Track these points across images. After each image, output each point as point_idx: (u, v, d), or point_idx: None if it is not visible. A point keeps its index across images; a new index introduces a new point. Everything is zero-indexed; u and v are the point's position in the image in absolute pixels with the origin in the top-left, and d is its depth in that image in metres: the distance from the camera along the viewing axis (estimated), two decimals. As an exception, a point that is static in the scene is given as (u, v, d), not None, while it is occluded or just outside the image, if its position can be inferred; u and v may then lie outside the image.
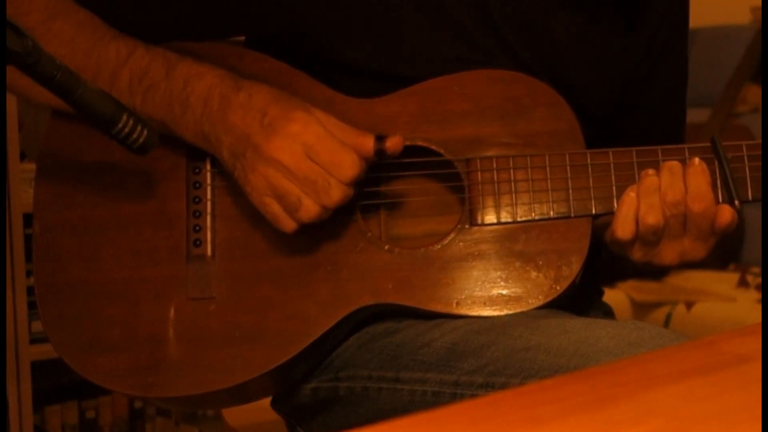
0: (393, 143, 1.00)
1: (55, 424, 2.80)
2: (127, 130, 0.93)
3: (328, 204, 0.98)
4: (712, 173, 1.00)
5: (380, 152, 1.00)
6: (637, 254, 1.01)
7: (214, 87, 1.01)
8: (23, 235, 2.51)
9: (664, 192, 0.98)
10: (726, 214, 0.98)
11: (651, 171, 1.00)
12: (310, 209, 0.97)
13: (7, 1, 0.97)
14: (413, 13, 1.05)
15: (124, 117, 0.93)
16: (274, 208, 0.99)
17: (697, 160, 1.00)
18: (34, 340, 2.54)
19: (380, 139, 1.00)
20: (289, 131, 0.97)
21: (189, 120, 1.02)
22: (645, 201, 0.99)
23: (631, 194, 0.99)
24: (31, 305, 2.53)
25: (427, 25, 1.05)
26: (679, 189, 0.98)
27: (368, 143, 0.99)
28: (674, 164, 0.99)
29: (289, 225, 0.99)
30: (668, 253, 1.01)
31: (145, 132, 0.94)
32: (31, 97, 1.05)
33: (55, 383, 2.73)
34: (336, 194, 0.97)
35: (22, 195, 2.51)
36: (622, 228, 0.99)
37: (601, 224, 1.06)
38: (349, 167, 0.97)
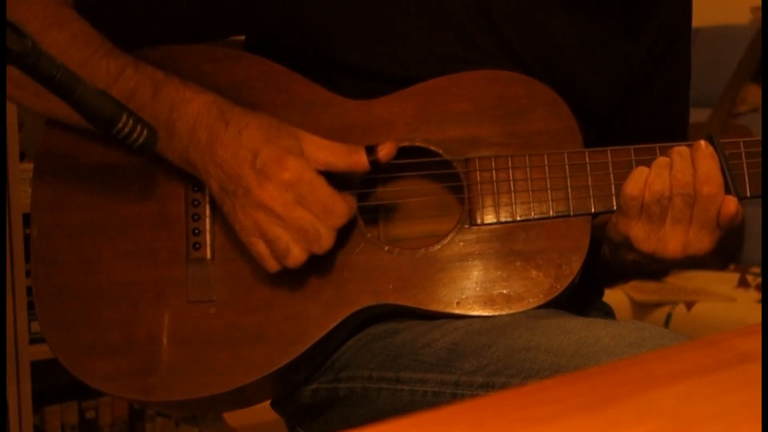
0: (385, 152, 1.01)
1: (55, 424, 2.80)
2: (127, 129, 0.93)
3: (318, 252, 0.99)
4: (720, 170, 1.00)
5: (374, 163, 1.00)
6: (640, 233, 1.00)
7: (201, 117, 1.00)
8: (23, 235, 2.51)
9: (675, 172, 0.98)
10: (731, 205, 0.98)
11: (662, 158, 1.00)
12: (297, 256, 0.98)
13: (5, 8, 0.97)
14: (413, 13, 1.05)
15: (124, 117, 0.93)
16: (261, 249, 0.99)
17: (703, 143, 1.00)
18: (34, 340, 2.54)
19: (371, 150, 1.00)
20: (281, 180, 0.97)
21: (176, 146, 1.01)
22: (655, 171, 0.99)
23: (642, 166, 1.00)
24: (31, 305, 2.53)
25: (426, 26, 1.05)
26: (689, 171, 0.98)
27: (361, 160, 1.00)
28: (683, 149, 1.00)
29: (273, 267, 1.00)
30: (673, 241, 0.99)
31: (145, 132, 0.94)
32: (27, 107, 1.05)
33: (55, 383, 2.73)
34: (326, 243, 0.98)
35: (22, 195, 2.51)
36: (631, 186, 0.99)
37: (600, 223, 1.06)
38: (340, 216, 0.98)
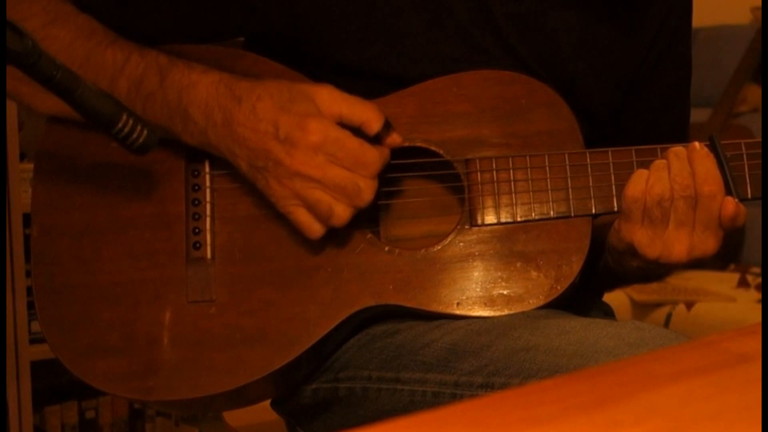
0: (393, 138, 1.02)
1: (55, 424, 2.80)
2: (127, 129, 0.93)
3: (361, 205, 0.99)
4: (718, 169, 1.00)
5: (379, 137, 1.01)
6: (644, 238, 0.99)
7: (211, 98, 1.00)
8: (23, 234, 2.51)
9: (674, 175, 0.98)
10: (729, 205, 0.98)
11: (659, 160, 1.00)
12: (342, 214, 0.99)
13: (7, 6, 0.97)
14: (413, 13, 1.05)
15: (124, 117, 0.93)
16: (301, 216, 0.99)
17: (698, 144, 0.99)
18: (34, 340, 2.54)
19: (387, 125, 1.01)
20: (308, 143, 0.97)
21: (193, 130, 1.01)
22: (654, 174, 0.99)
23: (642, 168, 1.00)
24: (31, 305, 2.53)
25: (426, 25, 1.05)
26: (687, 172, 0.98)
27: (374, 121, 1.00)
28: (679, 149, 0.99)
29: (316, 231, 1.00)
30: (678, 245, 0.99)
31: (145, 132, 0.94)
32: (31, 105, 1.05)
33: (55, 383, 2.74)
34: (367, 194, 0.99)
35: (22, 195, 2.51)
36: (632, 188, 0.99)
37: (601, 224, 1.06)
38: (374, 163, 0.99)
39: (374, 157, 0.99)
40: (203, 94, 1.00)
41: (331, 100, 1.00)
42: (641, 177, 0.99)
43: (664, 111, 1.20)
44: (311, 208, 0.99)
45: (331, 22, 1.04)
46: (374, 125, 1.00)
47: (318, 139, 0.97)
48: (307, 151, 0.97)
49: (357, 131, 1.00)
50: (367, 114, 1.00)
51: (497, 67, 1.06)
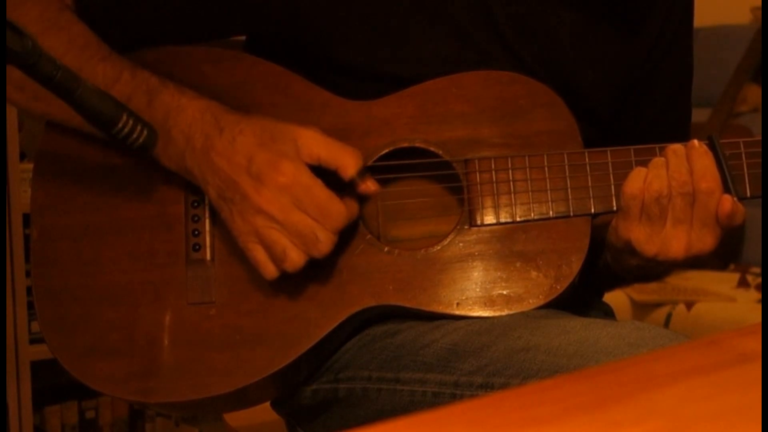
0: (366, 186, 1.01)
1: (55, 424, 2.80)
2: (127, 129, 0.93)
3: (316, 255, 0.98)
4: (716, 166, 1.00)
5: (354, 182, 1.00)
6: (641, 235, 0.99)
7: (196, 123, 1.00)
8: (23, 235, 2.51)
9: (672, 171, 0.98)
10: (726, 203, 0.98)
11: (658, 158, 1.00)
12: (295, 260, 0.98)
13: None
14: (412, 14, 1.05)
15: (124, 117, 0.93)
16: (258, 254, 0.99)
17: (696, 141, 0.99)
18: (34, 340, 2.54)
19: (362, 172, 1.00)
20: (277, 183, 0.97)
21: (171, 153, 1.02)
22: (653, 171, 0.99)
23: (641, 167, 1.00)
24: (31, 305, 2.53)
25: (426, 26, 1.05)
26: (685, 169, 0.98)
27: (349, 168, 0.99)
28: (678, 147, 0.99)
29: (271, 272, 1.00)
30: (676, 242, 0.99)
31: (145, 132, 0.94)
32: (25, 110, 1.05)
33: (55, 383, 2.74)
34: (324, 247, 0.98)
35: (22, 195, 2.51)
36: (630, 185, 0.99)
37: (600, 224, 1.06)
38: (338, 217, 0.98)
39: (340, 211, 0.98)
40: (189, 118, 1.01)
41: (313, 142, 0.99)
42: (639, 174, 0.99)
43: (666, 111, 1.20)
44: (267, 248, 0.99)
45: (331, 22, 1.04)
46: (350, 170, 1.00)
47: (287, 181, 0.97)
48: (274, 191, 0.97)
49: (335, 177, 0.99)
50: (345, 159, 1.00)
51: (497, 67, 1.06)
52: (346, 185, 1.01)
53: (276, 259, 0.99)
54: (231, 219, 1.00)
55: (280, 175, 0.97)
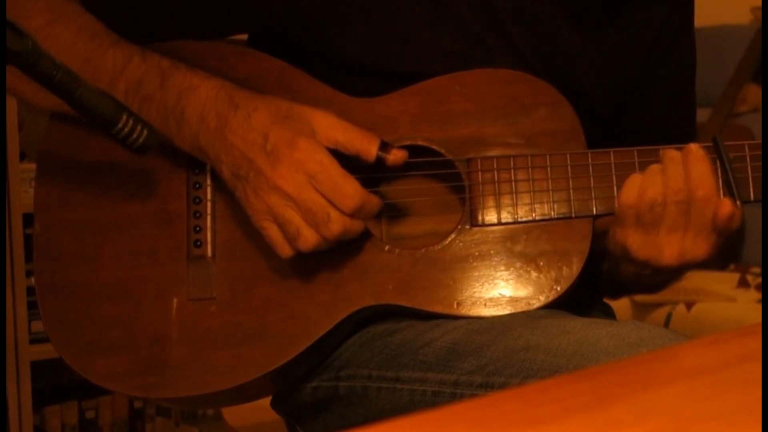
0: (395, 157, 1.00)
1: (55, 424, 2.80)
2: (127, 129, 0.93)
3: (327, 236, 0.98)
4: (713, 173, 1.00)
5: (381, 160, 1.00)
6: (637, 241, 0.99)
7: (210, 102, 1.00)
8: (23, 235, 2.51)
9: (668, 179, 0.98)
10: (725, 207, 0.97)
11: (654, 164, 1.00)
12: (308, 239, 0.97)
13: (9, 4, 0.97)
14: (416, 11, 1.05)
15: (124, 117, 0.93)
16: (273, 233, 0.99)
17: (694, 146, 0.99)
18: (34, 340, 2.55)
19: (384, 146, 1.00)
20: (292, 160, 0.97)
21: (185, 134, 1.01)
22: (648, 177, 0.99)
23: (636, 173, 1.00)
24: (31, 305, 2.54)
25: (429, 23, 1.05)
26: (681, 176, 0.98)
27: (371, 150, 0.99)
28: (675, 153, 0.99)
29: (285, 251, 0.99)
30: (668, 249, 0.99)
31: (145, 132, 0.94)
32: (32, 102, 1.05)
33: (55, 383, 2.74)
34: (335, 228, 0.97)
35: (22, 195, 2.51)
36: (625, 195, 0.99)
37: (603, 232, 1.06)
38: (352, 197, 0.97)
39: (354, 191, 0.97)
40: (203, 97, 1.00)
41: (329, 125, 0.99)
42: (634, 182, 0.99)
43: (670, 110, 1.20)
44: (281, 226, 0.98)
45: (334, 19, 1.04)
46: (372, 150, 0.99)
47: (302, 157, 0.97)
48: (290, 167, 0.97)
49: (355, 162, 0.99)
50: (364, 143, 0.99)
51: (500, 65, 1.05)
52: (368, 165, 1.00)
53: (289, 237, 0.98)
54: (245, 197, 0.99)
55: (296, 151, 0.97)
